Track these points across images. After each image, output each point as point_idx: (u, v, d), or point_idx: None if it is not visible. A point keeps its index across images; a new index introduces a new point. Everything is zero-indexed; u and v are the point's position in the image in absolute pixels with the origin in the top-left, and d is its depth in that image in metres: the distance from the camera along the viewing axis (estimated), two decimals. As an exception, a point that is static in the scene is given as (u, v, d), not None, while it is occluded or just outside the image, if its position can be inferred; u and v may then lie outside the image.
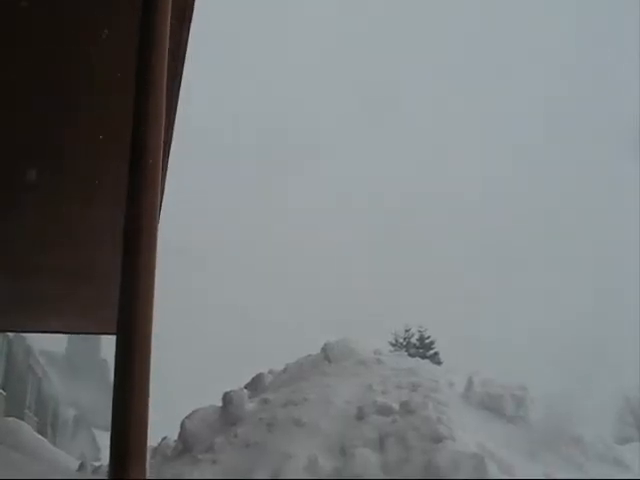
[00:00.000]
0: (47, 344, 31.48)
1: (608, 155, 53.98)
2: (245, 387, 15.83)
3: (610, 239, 48.30)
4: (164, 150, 4.11)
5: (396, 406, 13.19)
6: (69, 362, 43.54)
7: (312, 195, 59.06)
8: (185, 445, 14.13)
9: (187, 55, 5.26)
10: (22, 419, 21.40)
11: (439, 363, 29.97)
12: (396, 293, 45.45)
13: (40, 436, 20.68)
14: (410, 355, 27.50)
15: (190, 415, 14.73)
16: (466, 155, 59.81)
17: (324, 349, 15.98)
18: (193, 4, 4.73)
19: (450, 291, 47.04)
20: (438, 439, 12.09)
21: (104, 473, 14.22)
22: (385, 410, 13.20)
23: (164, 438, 15.24)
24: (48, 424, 31.58)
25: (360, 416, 13.17)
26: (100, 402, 28.65)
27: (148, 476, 2.66)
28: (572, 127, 57.12)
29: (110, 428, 2.64)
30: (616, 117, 49.91)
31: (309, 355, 16.37)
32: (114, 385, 2.66)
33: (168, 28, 3.41)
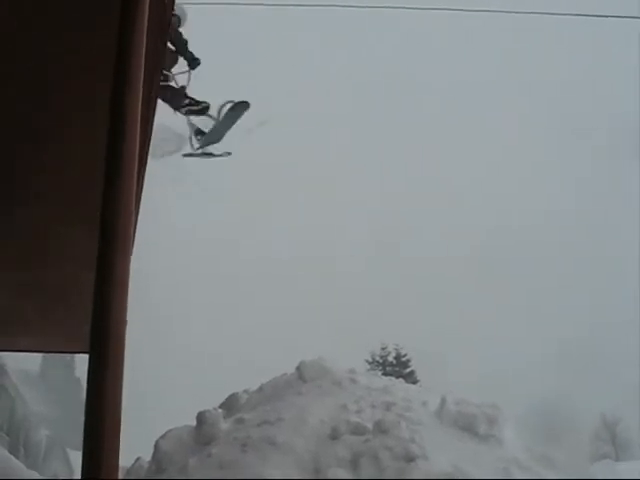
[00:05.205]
0: (21, 363, 31.20)
1: (608, 155, 54.25)
2: (220, 407, 15.78)
3: (609, 244, 48.47)
4: (139, 166, 4.16)
5: (370, 426, 13.24)
6: (43, 381, 43.07)
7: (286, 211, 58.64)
8: (159, 466, 14.05)
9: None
10: (-7, 439, 21.15)
11: (415, 381, 30.03)
12: (374, 310, 45.33)
13: (12, 456, 20.44)
14: (386, 373, 27.63)
15: (164, 435, 14.66)
16: (456, 163, 59.39)
17: (299, 368, 15.99)
18: (170, 20, 4.79)
19: (431, 307, 46.97)
20: (411, 458, 12.16)
21: (76, 493, 14.10)
22: (359, 430, 13.25)
23: (137, 459, 15.13)
24: (20, 444, 31.18)
25: (334, 436, 13.20)
26: (74, 422, 28.38)
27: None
28: (571, 127, 57.25)
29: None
30: (616, 117, 50.05)
31: (284, 374, 16.38)
32: (86, 404, 2.69)
33: (144, 37, 3.48)
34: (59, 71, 4.74)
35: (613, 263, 47.06)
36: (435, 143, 59.31)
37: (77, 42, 4.44)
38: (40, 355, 36.96)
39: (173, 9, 4.67)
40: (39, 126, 5.57)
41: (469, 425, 13.85)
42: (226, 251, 52.48)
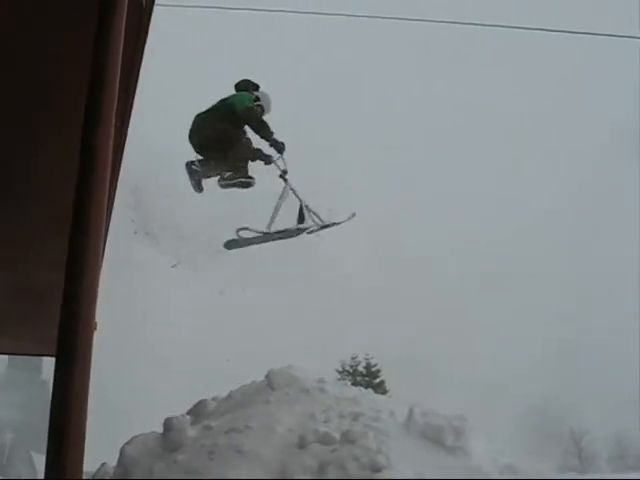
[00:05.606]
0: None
1: (608, 155, 54.43)
2: (187, 413, 15.71)
3: (609, 244, 48.56)
4: (112, 173, 4.17)
5: (337, 435, 13.26)
6: (9, 383, 42.64)
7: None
8: (124, 471, 13.95)
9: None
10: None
11: (385, 392, 30.06)
12: (344, 319, 45.16)
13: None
14: (356, 383, 27.59)
15: (130, 441, 14.55)
16: (455, 163, 58.95)
17: (268, 376, 15.98)
18: (148, 25, 4.79)
19: (430, 307, 46.77)
20: (377, 469, 12.19)
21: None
22: (326, 439, 13.26)
23: (103, 464, 15.01)
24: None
25: (301, 444, 13.20)
26: (39, 425, 28.08)
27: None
28: (571, 127, 57.49)
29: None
30: (616, 117, 50.22)
31: (253, 382, 16.35)
32: (51, 407, 2.69)
33: (121, 49, 3.49)
34: (59, 71, 4.74)
35: (613, 263, 47.28)
36: (434, 143, 59.15)
37: (77, 42, 4.45)
38: (6, 357, 36.56)
39: (151, 16, 4.67)
40: (39, 126, 5.56)
41: (436, 436, 13.90)
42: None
